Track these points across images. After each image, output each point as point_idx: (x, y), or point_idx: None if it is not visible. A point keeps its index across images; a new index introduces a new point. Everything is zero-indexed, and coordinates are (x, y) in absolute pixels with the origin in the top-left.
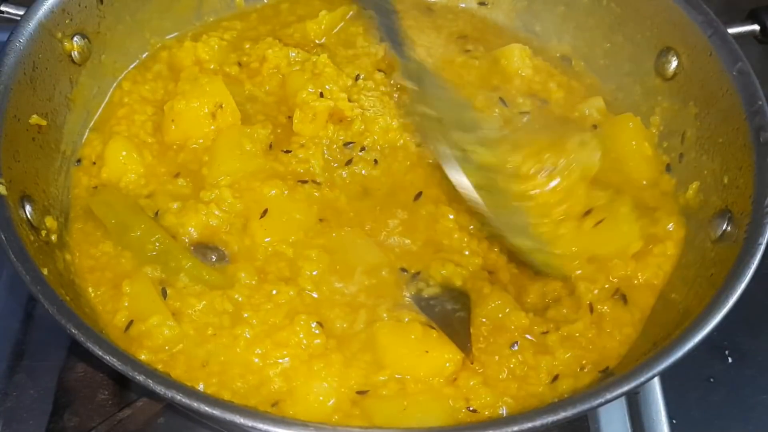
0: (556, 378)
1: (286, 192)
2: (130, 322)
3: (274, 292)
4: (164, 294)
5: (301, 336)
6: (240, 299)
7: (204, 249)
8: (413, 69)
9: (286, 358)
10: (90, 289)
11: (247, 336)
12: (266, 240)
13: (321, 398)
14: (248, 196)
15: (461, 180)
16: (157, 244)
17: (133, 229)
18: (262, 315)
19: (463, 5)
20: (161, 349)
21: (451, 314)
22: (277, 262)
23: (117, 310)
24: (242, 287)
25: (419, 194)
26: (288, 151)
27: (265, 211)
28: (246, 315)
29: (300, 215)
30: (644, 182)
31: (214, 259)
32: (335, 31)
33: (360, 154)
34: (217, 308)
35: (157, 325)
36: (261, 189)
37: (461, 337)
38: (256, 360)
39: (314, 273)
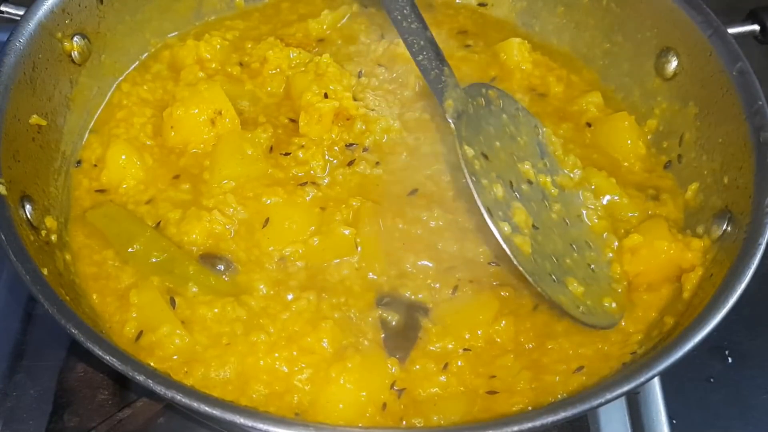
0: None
1: (285, 198)
2: (140, 333)
3: (290, 297)
4: (173, 303)
5: (325, 342)
6: (252, 304)
7: (212, 259)
8: (459, 101)
9: (309, 367)
10: (94, 296)
11: (264, 343)
12: (270, 248)
13: (347, 404)
14: (251, 204)
15: (502, 230)
16: (162, 253)
17: (137, 238)
18: (281, 323)
19: (460, 0)
20: (171, 357)
21: None
22: (289, 269)
23: (125, 320)
24: (257, 296)
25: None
26: (287, 154)
27: (267, 221)
28: (262, 322)
29: (301, 218)
30: (640, 181)
31: (222, 269)
32: (338, 26)
33: (363, 154)
34: (229, 316)
35: (167, 334)
36: (261, 197)
37: None
38: (280, 366)
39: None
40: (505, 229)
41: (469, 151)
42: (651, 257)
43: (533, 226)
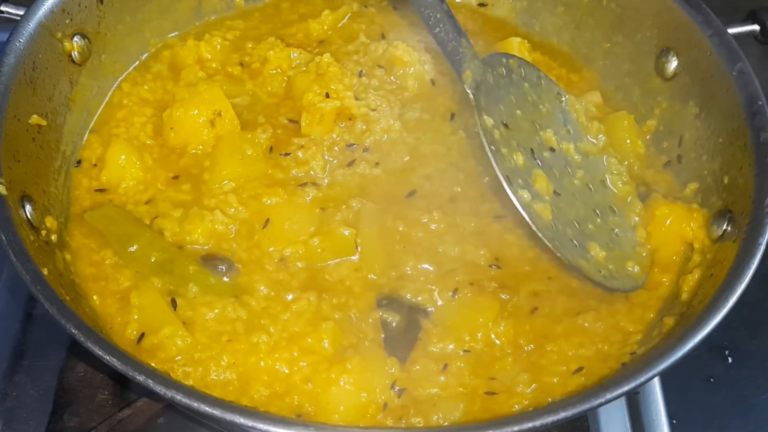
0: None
1: (285, 198)
2: (142, 335)
3: (290, 297)
4: (174, 304)
5: (326, 343)
6: (253, 304)
7: (213, 260)
8: (477, 71)
9: (309, 368)
10: (95, 298)
11: (265, 344)
12: (270, 249)
13: (349, 404)
14: (251, 204)
15: (521, 198)
16: (162, 253)
17: (136, 239)
18: (281, 323)
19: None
20: (174, 359)
21: None
22: (290, 269)
23: (127, 322)
24: (257, 296)
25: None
26: (287, 154)
27: (267, 221)
28: (262, 323)
29: (301, 218)
30: (641, 176)
31: (223, 270)
32: (338, 26)
33: (363, 154)
34: (230, 316)
35: (169, 336)
36: (261, 198)
37: None
38: (280, 368)
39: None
40: (525, 196)
41: (489, 121)
42: (657, 229)
43: (555, 192)
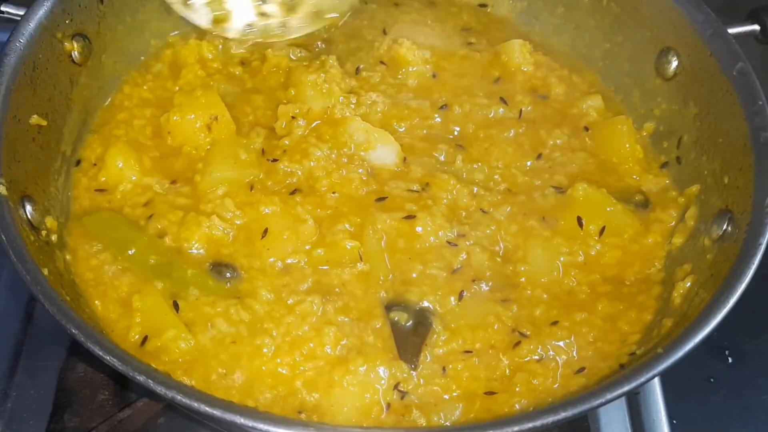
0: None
1: (280, 208)
2: (145, 338)
3: (291, 301)
4: (176, 307)
5: (328, 348)
6: (257, 308)
7: (219, 267)
8: None
9: (313, 370)
10: (97, 302)
11: (268, 347)
12: (270, 260)
13: (352, 406)
14: (247, 211)
15: None
16: (159, 257)
17: (134, 242)
18: (285, 327)
19: None
20: (177, 361)
21: None
22: (288, 277)
23: (130, 326)
24: (260, 300)
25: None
26: (275, 160)
27: (266, 231)
28: (265, 326)
29: (298, 227)
30: (638, 184)
31: (229, 276)
32: (339, 24)
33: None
34: (233, 318)
35: (172, 339)
36: (257, 206)
37: None
38: (282, 370)
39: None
40: None
41: None
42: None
43: None
